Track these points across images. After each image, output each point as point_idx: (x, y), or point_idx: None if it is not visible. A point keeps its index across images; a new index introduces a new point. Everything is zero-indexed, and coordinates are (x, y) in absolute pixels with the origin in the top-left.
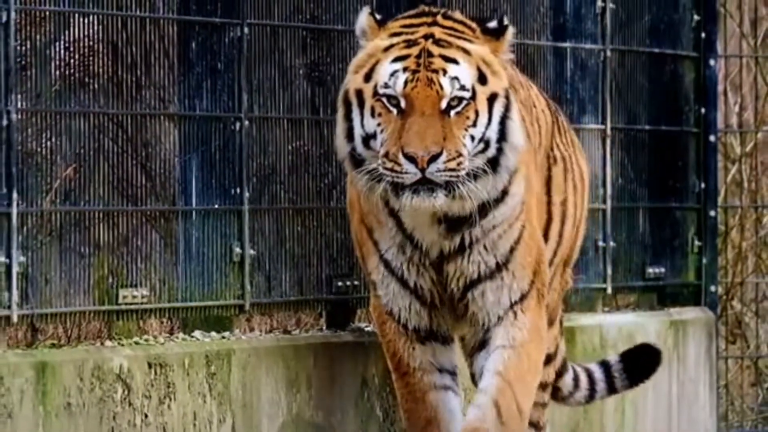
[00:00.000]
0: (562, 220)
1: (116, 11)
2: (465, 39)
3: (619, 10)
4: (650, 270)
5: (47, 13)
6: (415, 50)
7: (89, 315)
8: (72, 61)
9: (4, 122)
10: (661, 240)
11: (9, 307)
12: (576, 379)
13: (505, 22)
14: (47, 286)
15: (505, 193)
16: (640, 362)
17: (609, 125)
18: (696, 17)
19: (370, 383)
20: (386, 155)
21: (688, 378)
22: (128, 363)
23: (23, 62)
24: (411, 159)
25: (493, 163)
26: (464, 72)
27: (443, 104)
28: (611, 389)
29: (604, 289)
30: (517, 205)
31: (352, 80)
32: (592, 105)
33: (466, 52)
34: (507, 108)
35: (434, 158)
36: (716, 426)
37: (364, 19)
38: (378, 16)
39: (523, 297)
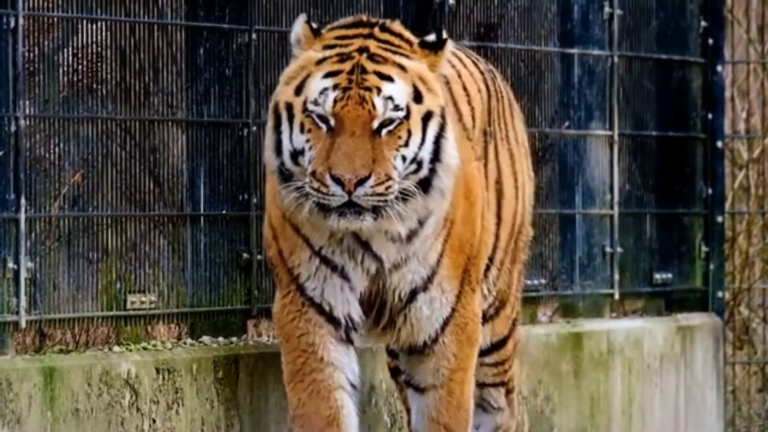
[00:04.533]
0: (498, 200)
1: (124, 17)
2: (401, 54)
3: (626, 16)
4: (657, 276)
5: (55, 19)
6: (347, 65)
7: (97, 320)
8: (80, 67)
9: (13, 128)
10: (669, 246)
11: (17, 313)
12: None
13: (444, 35)
14: (55, 291)
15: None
16: None
17: (616, 131)
18: (703, 23)
19: (378, 389)
20: (313, 174)
21: (696, 383)
22: (136, 368)
23: (31, 68)
24: (338, 181)
25: (425, 185)
26: (399, 90)
27: (375, 124)
28: None
29: (612, 295)
30: (440, 219)
31: (283, 92)
32: (600, 111)
33: (402, 68)
34: (442, 127)
35: (362, 182)
36: (723, 431)
37: (299, 27)
38: (314, 25)
39: (453, 311)
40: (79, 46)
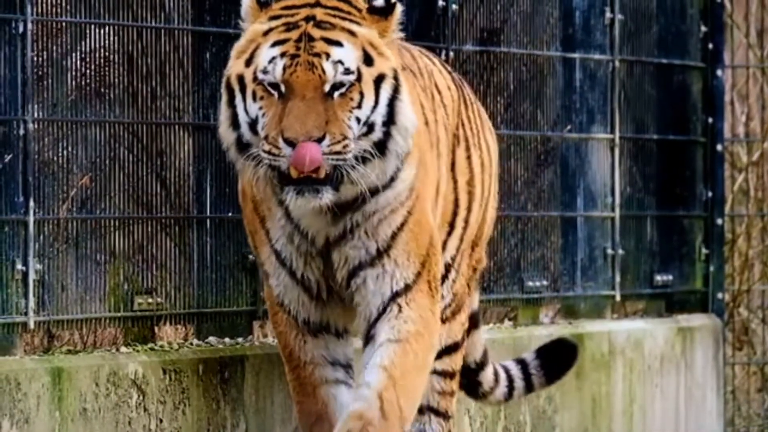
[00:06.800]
0: (469, 202)
1: (131, 22)
2: (350, 20)
3: (627, 21)
4: (658, 277)
5: (63, 24)
6: (294, 34)
7: (105, 321)
8: (88, 71)
9: (21, 132)
10: (669, 248)
11: (26, 314)
12: (496, 373)
13: (393, 0)
14: (63, 293)
15: (393, 178)
16: (557, 359)
17: (617, 134)
18: (703, 28)
19: None
20: (266, 138)
21: (696, 384)
22: (143, 369)
23: (40, 72)
24: (290, 144)
25: (380, 147)
26: (349, 54)
27: (326, 88)
28: (529, 387)
29: (613, 297)
30: (404, 190)
31: (234, 66)
32: (601, 115)
33: (351, 33)
34: (396, 89)
35: (317, 143)
36: (723, 431)
37: (246, 0)
38: None
39: (408, 287)
40: (87, 50)
